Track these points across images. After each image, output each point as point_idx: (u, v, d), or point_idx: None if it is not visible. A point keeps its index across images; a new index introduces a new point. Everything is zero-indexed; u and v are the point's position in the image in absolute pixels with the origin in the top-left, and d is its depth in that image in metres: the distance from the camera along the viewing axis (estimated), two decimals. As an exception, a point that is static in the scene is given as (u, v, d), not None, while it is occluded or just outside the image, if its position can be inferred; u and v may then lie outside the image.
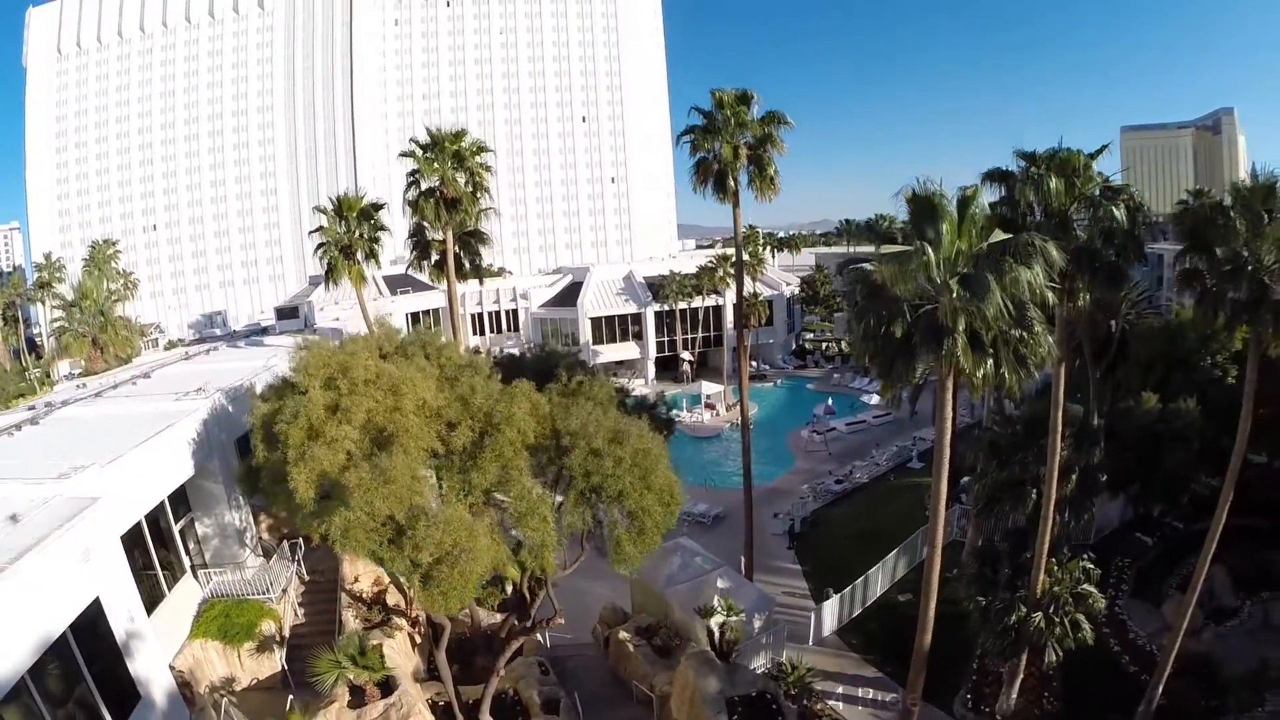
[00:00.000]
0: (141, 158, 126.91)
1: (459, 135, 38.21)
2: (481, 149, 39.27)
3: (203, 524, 25.03)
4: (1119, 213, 20.46)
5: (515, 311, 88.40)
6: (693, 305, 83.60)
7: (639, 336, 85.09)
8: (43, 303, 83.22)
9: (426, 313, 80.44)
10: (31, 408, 26.13)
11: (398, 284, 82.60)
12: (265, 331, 48.19)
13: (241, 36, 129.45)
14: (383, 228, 40.53)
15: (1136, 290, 41.58)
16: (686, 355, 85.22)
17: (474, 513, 16.34)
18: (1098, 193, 20.86)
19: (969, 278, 16.17)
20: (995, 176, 22.20)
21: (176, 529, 23.27)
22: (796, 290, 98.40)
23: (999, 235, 18.36)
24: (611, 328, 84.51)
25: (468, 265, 41.65)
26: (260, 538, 27.19)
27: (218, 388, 26.83)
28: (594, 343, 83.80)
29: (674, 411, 70.28)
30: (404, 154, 39.13)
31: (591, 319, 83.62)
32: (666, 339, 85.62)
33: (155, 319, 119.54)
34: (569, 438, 17.57)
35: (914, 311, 17.40)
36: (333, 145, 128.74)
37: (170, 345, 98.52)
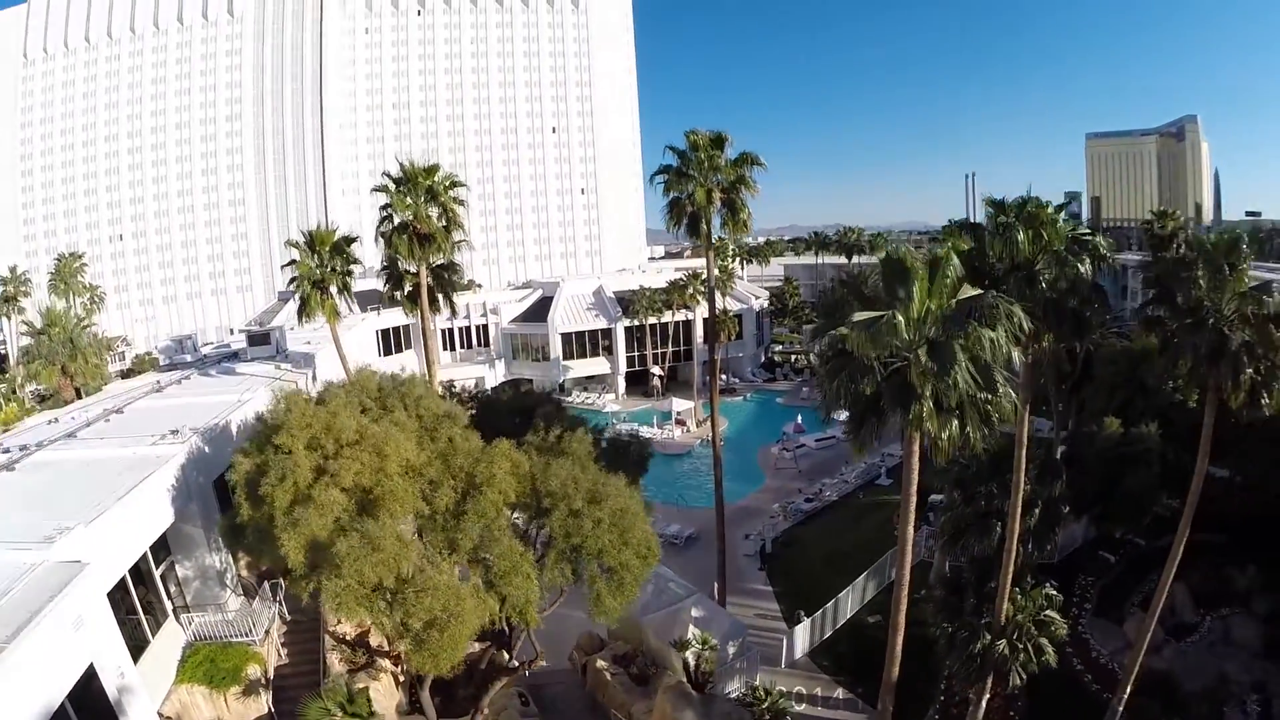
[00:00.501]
0: (108, 166, 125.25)
1: (432, 170, 38.45)
2: (455, 183, 39.56)
3: (183, 566, 25.13)
4: (1084, 267, 21.35)
5: (485, 327, 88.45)
6: (663, 320, 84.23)
7: (609, 351, 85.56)
8: (8, 317, 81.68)
9: (397, 330, 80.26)
10: (5, 450, 25.91)
11: (367, 300, 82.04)
12: (236, 356, 47.89)
13: (210, 44, 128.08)
14: (356, 261, 40.61)
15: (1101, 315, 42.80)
16: (657, 370, 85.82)
17: (459, 570, 16.74)
18: (1064, 247, 21.72)
19: (936, 346, 16.86)
20: (965, 227, 23.01)
21: (157, 573, 23.36)
22: (765, 304, 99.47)
23: (968, 291, 19.15)
24: (582, 343, 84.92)
25: (440, 297, 41.78)
26: (240, 575, 27.31)
27: (193, 428, 26.89)
28: (564, 358, 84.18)
29: (644, 428, 71.27)
30: (377, 189, 39.24)
31: (562, 334, 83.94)
32: (637, 354, 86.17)
33: (122, 331, 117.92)
34: (549, 499, 18.04)
35: (884, 368, 18.11)
36: (301, 155, 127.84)
37: (138, 361, 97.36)
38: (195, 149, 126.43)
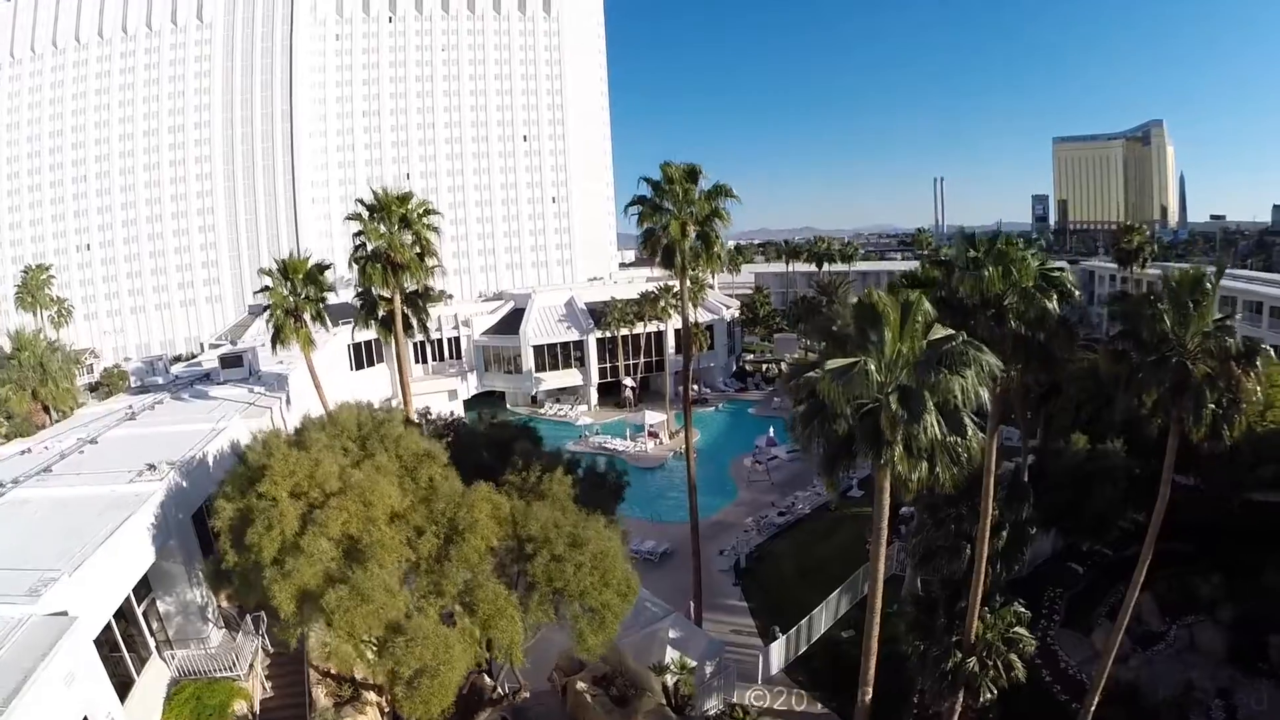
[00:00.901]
0: (75, 174, 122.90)
1: (405, 198, 38.74)
2: (428, 210, 39.74)
3: (164, 602, 25.16)
4: (1051, 305, 22.14)
5: (457, 339, 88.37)
6: (634, 332, 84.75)
7: (581, 363, 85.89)
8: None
9: (369, 344, 79.86)
10: (-24, 483, 25.70)
11: (338, 314, 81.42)
12: (208, 377, 47.67)
13: (180, 50, 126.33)
14: (330, 289, 40.65)
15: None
16: (629, 381, 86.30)
17: (445, 614, 17.06)
18: (1032, 284, 22.48)
19: (907, 394, 17.49)
20: (937, 264, 23.71)
21: (139, 610, 23.40)
22: (736, 313, 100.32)
23: (939, 332, 19.85)
24: (554, 355, 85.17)
25: (415, 323, 41.95)
26: (220, 607, 27.34)
27: (170, 461, 26.89)
28: (537, 370, 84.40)
29: (617, 440, 71.76)
30: (350, 216, 39.27)
31: (534, 347, 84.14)
32: (609, 365, 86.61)
33: (90, 343, 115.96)
34: (531, 544, 18.43)
35: (856, 409, 18.70)
36: (271, 164, 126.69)
37: (107, 375, 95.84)
38: (164, 157, 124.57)
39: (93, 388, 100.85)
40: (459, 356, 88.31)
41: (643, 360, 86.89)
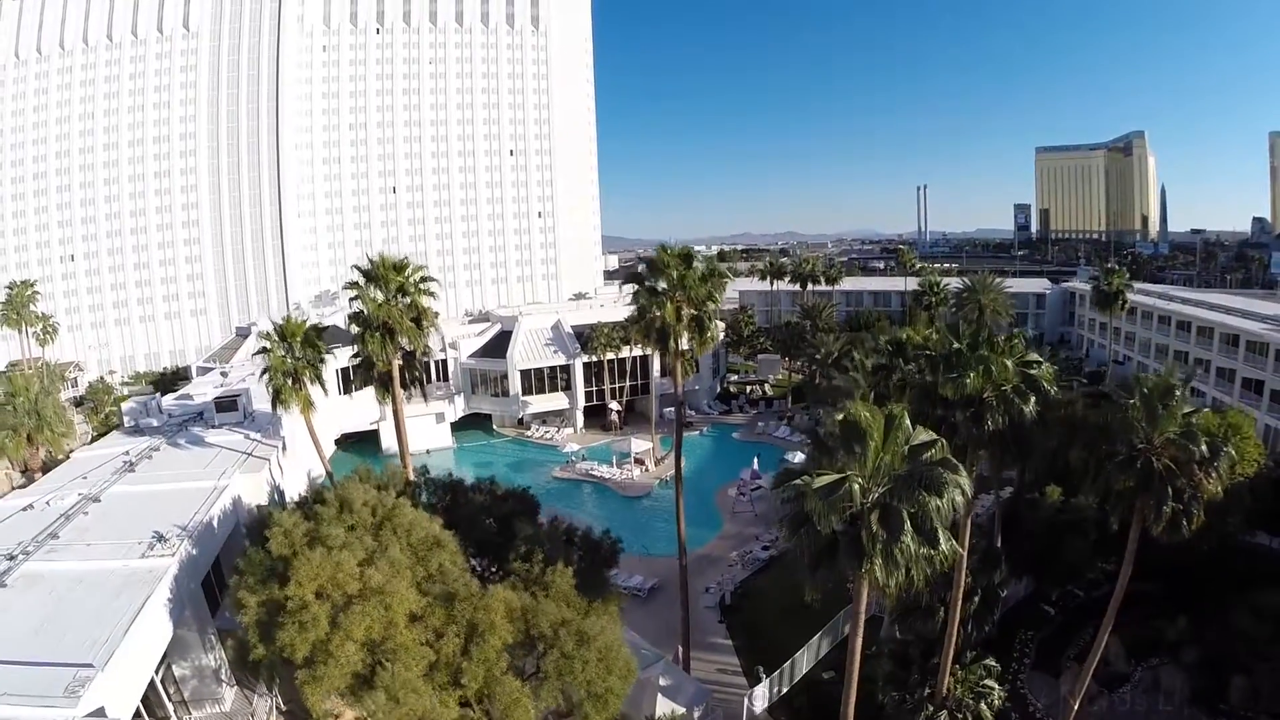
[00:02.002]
0: (59, 183, 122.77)
1: (401, 266, 39.76)
2: (426, 278, 40.76)
3: (179, 666, 26.29)
4: (1029, 409, 23.72)
5: (444, 362, 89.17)
6: (620, 356, 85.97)
7: (568, 386, 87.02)
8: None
9: (354, 368, 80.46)
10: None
11: (327, 339, 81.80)
12: (201, 416, 48.45)
13: (165, 59, 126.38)
14: (328, 351, 41.53)
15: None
16: (615, 405, 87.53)
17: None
18: (1011, 387, 24.06)
19: (887, 513, 19.02)
20: (919, 363, 25.23)
21: (158, 679, 24.43)
22: (722, 335, 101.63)
23: (921, 435, 21.40)
24: (541, 379, 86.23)
25: (411, 381, 42.95)
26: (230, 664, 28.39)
27: (179, 529, 27.93)
28: (524, 393, 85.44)
29: (603, 467, 73.00)
30: (349, 285, 40.31)
31: (521, 371, 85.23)
32: (595, 388, 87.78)
33: (74, 356, 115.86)
34: (542, 642, 19.76)
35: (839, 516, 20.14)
36: (257, 175, 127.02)
37: (93, 391, 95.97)
38: (148, 167, 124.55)
39: (78, 402, 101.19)
40: (446, 379, 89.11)
41: (628, 384, 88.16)
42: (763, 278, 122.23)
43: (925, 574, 19.52)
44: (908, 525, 18.56)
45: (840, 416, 20.41)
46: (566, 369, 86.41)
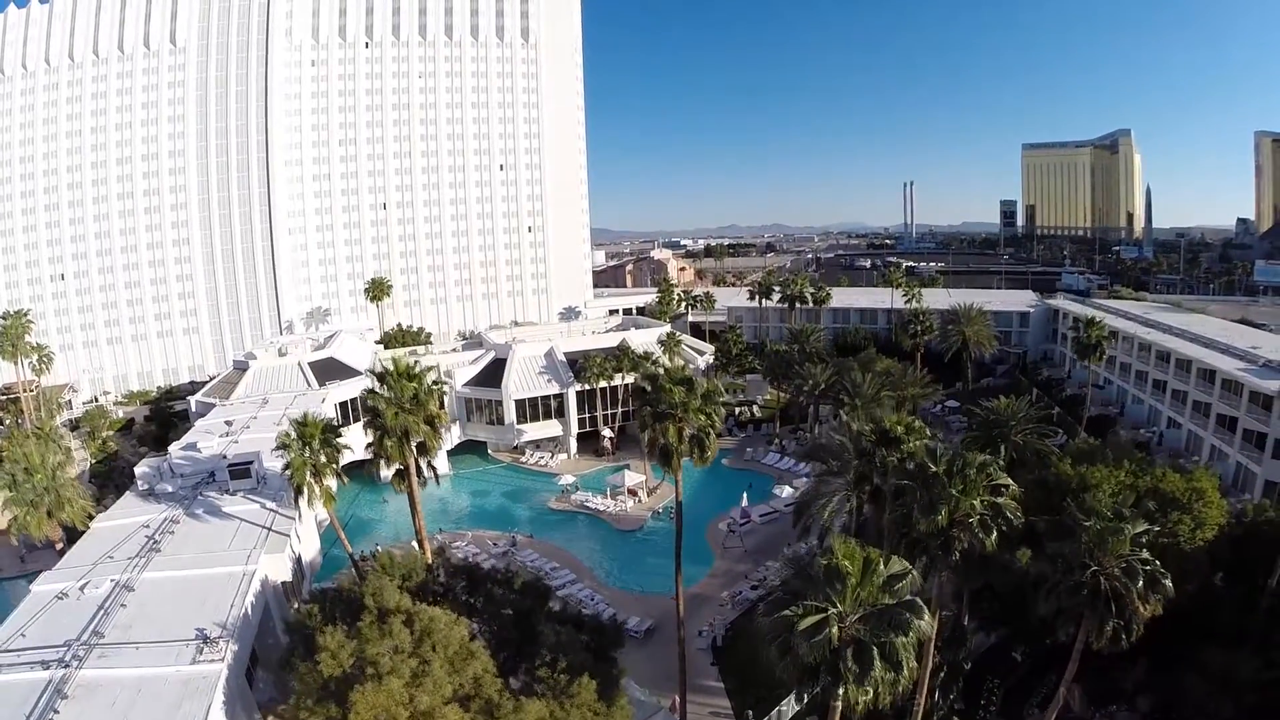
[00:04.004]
0: (48, 201, 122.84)
1: (416, 375, 41.80)
2: (439, 381, 42.96)
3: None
4: (990, 541, 26.29)
5: (441, 391, 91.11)
6: (613, 384, 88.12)
7: (561, 414, 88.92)
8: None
9: (353, 401, 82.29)
10: (45, 664, 28.36)
11: (325, 373, 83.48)
12: (213, 476, 50.20)
13: (153, 75, 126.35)
14: (345, 447, 43.45)
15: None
16: (607, 432, 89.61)
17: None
18: (977, 521, 26.65)
19: (860, 650, 21.64)
20: (896, 494, 27.77)
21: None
22: (711, 358, 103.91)
23: (896, 566, 23.94)
24: (535, 407, 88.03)
25: (426, 470, 45.07)
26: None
27: (219, 625, 30.03)
28: (518, 422, 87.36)
29: (598, 498, 75.20)
30: (365, 396, 42.26)
31: (516, 401, 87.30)
32: (588, 415, 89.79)
33: (67, 377, 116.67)
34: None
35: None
36: (247, 192, 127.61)
37: (89, 417, 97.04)
38: (137, 185, 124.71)
39: (73, 426, 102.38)
40: (441, 407, 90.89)
41: (620, 410, 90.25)
42: (751, 297, 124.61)
43: (891, 694, 22.16)
44: (878, 660, 21.15)
45: (824, 562, 22.93)
46: (560, 397, 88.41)
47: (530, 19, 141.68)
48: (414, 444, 41.65)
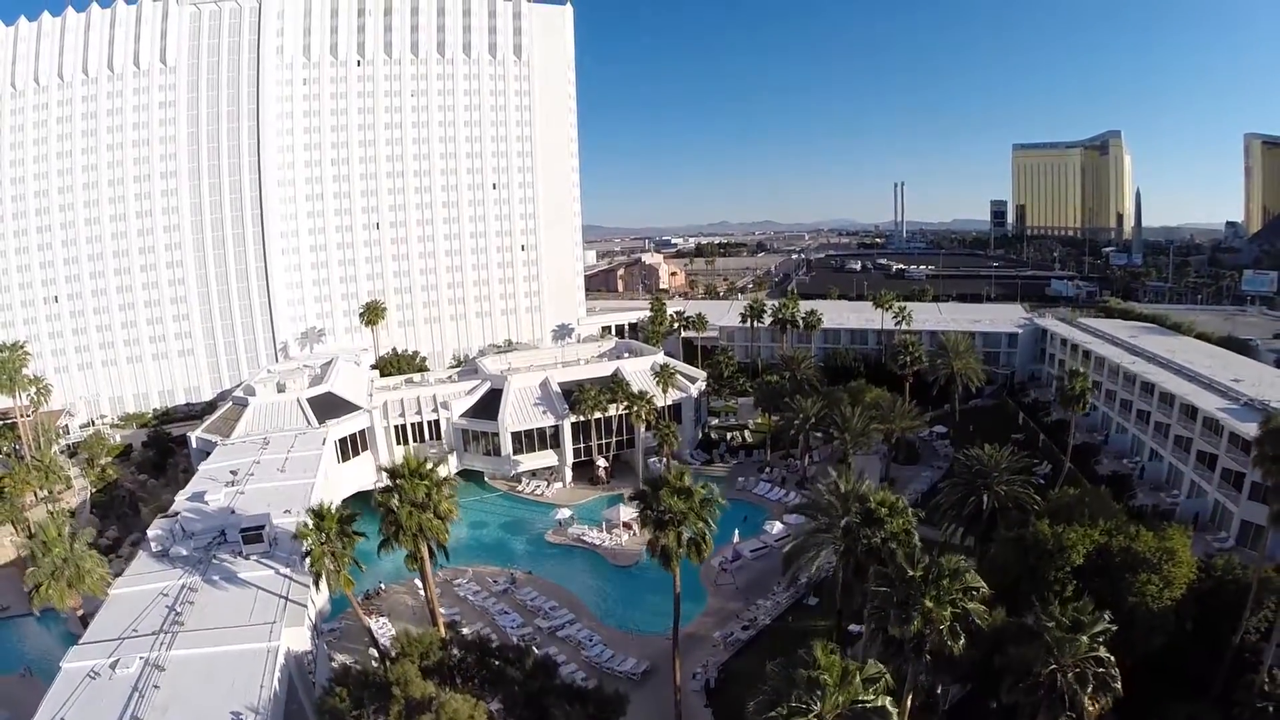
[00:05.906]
0: (40, 224, 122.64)
1: (428, 477, 44.01)
2: (447, 480, 45.38)
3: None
4: (958, 646, 28.58)
5: (437, 421, 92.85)
6: (607, 415, 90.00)
7: (557, 445, 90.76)
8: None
9: (354, 437, 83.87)
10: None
11: (323, 409, 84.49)
12: (224, 536, 51.84)
13: (144, 94, 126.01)
14: (360, 534, 45.30)
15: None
16: (602, 461, 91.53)
17: None
18: (946, 627, 28.95)
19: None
20: (872, 597, 30.06)
21: None
22: (704, 385, 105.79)
23: (873, 669, 26.18)
24: (531, 439, 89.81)
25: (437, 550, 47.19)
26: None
27: (251, 710, 31.89)
28: (515, 453, 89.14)
29: (593, 531, 77.07)
30: (381, 491, 44.42)
31: (512, 433, 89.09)
32: (583, 444, 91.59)
33: (63, 401, 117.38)
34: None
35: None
36: (239, 212, 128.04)
37: (86, 445, 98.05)
38: (130, 206, 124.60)
39: (71, 452, 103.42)
40: (439, 437, 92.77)
41: (614, 439, 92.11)
42: (744, 320, 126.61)
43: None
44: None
45: (805, 673, 25.27)
46: (556, 428, 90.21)
47: (522, 36, 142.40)
48: (427, 538, 43.57)
